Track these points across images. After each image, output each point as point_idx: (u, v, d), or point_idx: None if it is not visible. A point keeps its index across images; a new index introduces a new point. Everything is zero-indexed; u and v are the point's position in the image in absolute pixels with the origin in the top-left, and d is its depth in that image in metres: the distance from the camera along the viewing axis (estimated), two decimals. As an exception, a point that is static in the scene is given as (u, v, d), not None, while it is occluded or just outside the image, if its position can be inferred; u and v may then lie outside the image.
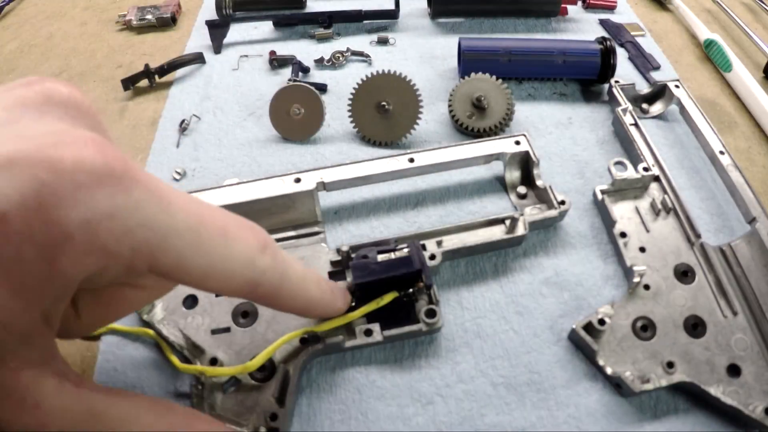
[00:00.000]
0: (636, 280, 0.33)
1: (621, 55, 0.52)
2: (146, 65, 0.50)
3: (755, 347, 0.31)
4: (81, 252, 0.17)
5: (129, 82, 0.49)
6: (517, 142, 0.40)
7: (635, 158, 0.41)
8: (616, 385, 0.30)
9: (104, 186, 0.17)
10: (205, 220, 0.20)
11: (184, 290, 0.34)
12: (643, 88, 0.47)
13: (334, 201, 0.40)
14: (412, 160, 0.38)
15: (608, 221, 0.38)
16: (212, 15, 0.57)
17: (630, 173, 0.38)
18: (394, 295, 0.31)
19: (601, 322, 0.31)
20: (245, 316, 0.33)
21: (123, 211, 0.17)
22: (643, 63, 0.52)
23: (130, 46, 0.56)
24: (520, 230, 0.35)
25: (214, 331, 0.32)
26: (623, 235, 0.36)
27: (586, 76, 0.48)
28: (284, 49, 0.53)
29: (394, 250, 0.32)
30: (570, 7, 0.57)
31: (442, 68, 0.52)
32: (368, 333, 0.31)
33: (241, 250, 0.21)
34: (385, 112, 0.43)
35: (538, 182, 0.39)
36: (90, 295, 0.22)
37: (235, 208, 0.35)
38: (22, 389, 0.17)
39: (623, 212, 0.38)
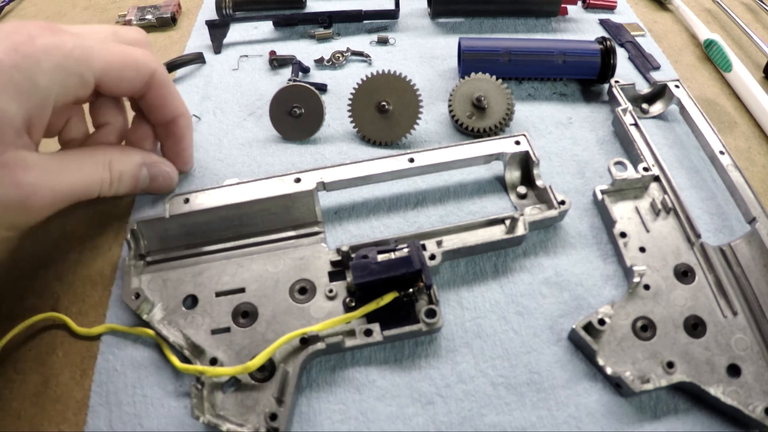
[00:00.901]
0: (636, 280, 0.33)
1: (621, 55, 0.52)
2: (146, 65, 0.50)
3: (755, 347, 0.31)
4: (47, 70, 0.28)
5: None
6: (517, 142, 0.40)
7: (635, 158, 0.41)
8: (616, 385, 0.30)
9: (49, 35, 0.29)
10: (106, 42, 0.32)
11: (184, 290, 0.34)
12: (643, 88, 0.47)
13: (333, 201, 0.40)
14: (412, 160, 0.38)
15: (608, 221, 0.38)
16: (212, 15, 0.57)
17: (630, 173, 0.38)
18: (394, 295, 0.31)
19: (601, 322, 0.31)
20: (245, 316, 0.33)
21: (63, 43, 0.29)
22: (643, 63, 0.52)
23: (130, 46, 0.56)
24: (520, 230, 0.35)
25: (214, 331, 0.32)
26: (623, 235, 0.36)
27: (586, 76, 0.48)
28: (284, 49, 0.53)
29: (394, 250, 0.32)
30: (570, 7, 0.57)
31: (442, 68, 0.52)
32: (368, 333, 0.31)
33: (135, 50, 0.33)
34: (385, 112, 0.43)
35: (538, 182, 0.39)
36: (68, 111, 0.35)
37: (236, 207, 0.36)
38: (17, 160, 0.28)
39: (623, 212, 0.38)
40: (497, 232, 0.36)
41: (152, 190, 0.38)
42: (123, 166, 0.34)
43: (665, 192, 0.38)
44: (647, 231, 0.37)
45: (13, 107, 0.27)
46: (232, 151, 0.44)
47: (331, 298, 0.33)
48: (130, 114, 0.39)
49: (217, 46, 0.54)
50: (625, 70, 0.51)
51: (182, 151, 0.39)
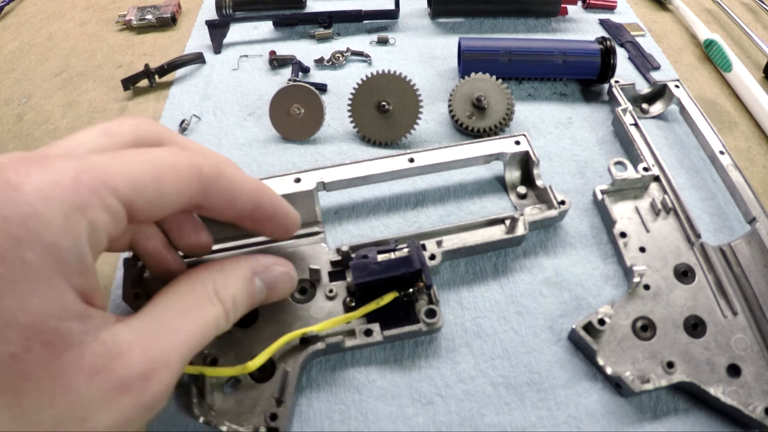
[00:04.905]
0: (636, 280, 0.33)
1: (621, 55, 0.52)
2: (146, 65, 0.50)
3: (755, 347, 0.31)
4: (60, 221, 0.18)
5: (129, 82, 0.49)
6: (517, 142, 0.40)
7: (635, 158, 0.41)
8: (616, 385, 0.30)
9: (36, 169, 0.19)
10: (116, 152, 0.22)
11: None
12: (643, 88, 0.47)
13: (333, 201, 0.40)
14: (412, 160, 0.38)
15: (608, 221, 0.38)
16: (212, 15, 0.57)
17: (630, 173, 0.38)
18: (394, 295, 0.31)
19: (601, 322, 0.31)
20: (245, 316, 0.33)
21: (62, 173, 0.19)
22: (643, 63, 0.52)
23: (130, 46, 0.56)
24: (520, 230, 0.35)
25: (214, 331, 0.32)
26: (623, 235, 0.36)
27: (586, 76, 0.48)
28: (284, 49, 0.53)
29: (394, 250, 0.32)
30: (570, 7, 0.57)
31: (442, 68, 0.52)
32: (368, 333, 0.31)
33: (160, 151, 0.23)
34: (385, 112, 0.43)
35: (538, 182, 0.39)
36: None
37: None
38: (104, 341, 0.19)
39: (623, 212, 0.38)
40: (497, 232, 0.36)
41: (273, 299, 0.29)
42: (232, 287, 0.25)
43: (665, 192, 0.38)
44: (647, 231, 0.37)
45: (52, 301, 0.18)
46: (232, 151, 0.44)
47: (331, 298, 0.33)
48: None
49: (217, 46, 0.54)
50: (625, 70, 0.51)
51: (279, 222, 0.29)
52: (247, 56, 0.53)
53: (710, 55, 0.53)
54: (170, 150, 0.23)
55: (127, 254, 0.35)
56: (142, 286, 0.33)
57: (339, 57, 0.52)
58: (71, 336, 0.18)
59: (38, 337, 0.17)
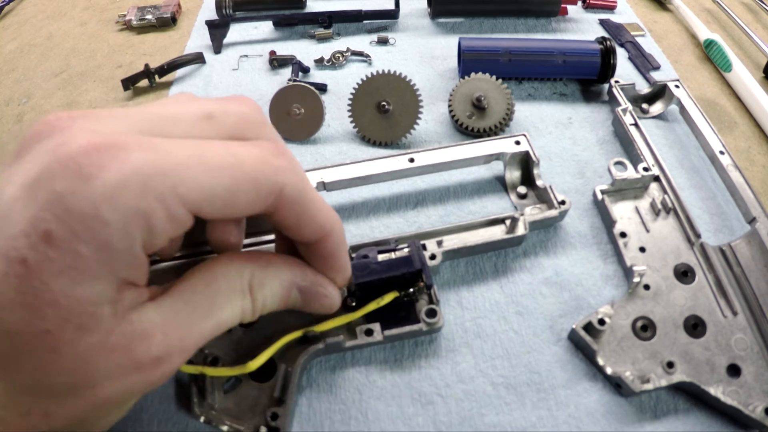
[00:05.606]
0: (636, 280, 0.33)
1: (621, 55, 0.52)
2: (146, 65, 0.50)
3: (755, 347, 0.31)
4: (119, 225, 0.18)
5: (129, 82, 0.49)
6: (518, 142, 0.40)
7: (635, 158, 0.41)
8: (616, 385, 0.30)
9: (101, 161, 0.18)
10: (200, 146, 0.21)
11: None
12: (643, 88, 0.47)
13: (333, 201, 0.40)
14: (412, 160, 0.38)
15: (608, 221, 0.38)
16: (212, 15, 0.57)
17: (630, 173, 0.38)
18: (394, 294, 0.31)
19: (601, 322, 0.31)
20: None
21: (132, 174, 0.18)
22: (643, 63, 0.52)
23: (130, 46, 0.56)
24: (521, 230, 0.35)
25: (214, 331, 0.32)
26: (623, 235, 0.36)
27: (586, 76, 0.48)
28: (284, 49, 0.53)
29: (394, 250, 0.32)
30: (570, 7, 0.57)
31: (442, 68, 0.52)
32: (369, 333, 0.31)
33: (249, 154, 0.21)
34: (385, 112, 0.43)
35: (539, 182, 0.39)
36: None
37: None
38: (132, 321, 0.20)
39: (623, 212, 0.38)
40: (498, 232, 0.36)
41: (306, 311, 0.28)
42: (267, 288, 0.25)
43: (665, 192, 0.38)
44: (647, 231, 0.37)
45: (94, 290, 0.19)
46: (232, 151, 0.44)
47: (331, 298, 0.33)
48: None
49: (217, 46, 0.54)
50: (625, 70, 0.51)
51: (332, 269, 0.27)
52: (247, 56, 0.53)
53: (710, 55, 0.53)
54: (259, 157, 0.21)
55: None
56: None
57: (339, 57, 0.52)
58: (102, 319, 0.19)
59: (74, 320, 0.18)
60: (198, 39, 0.55)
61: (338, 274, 0.27)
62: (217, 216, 0.21)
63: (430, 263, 0.33)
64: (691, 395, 0.30)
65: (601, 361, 0.31)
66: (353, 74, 0.50)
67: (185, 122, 0.22)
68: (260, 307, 0.24)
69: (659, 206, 0.37)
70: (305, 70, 0.51)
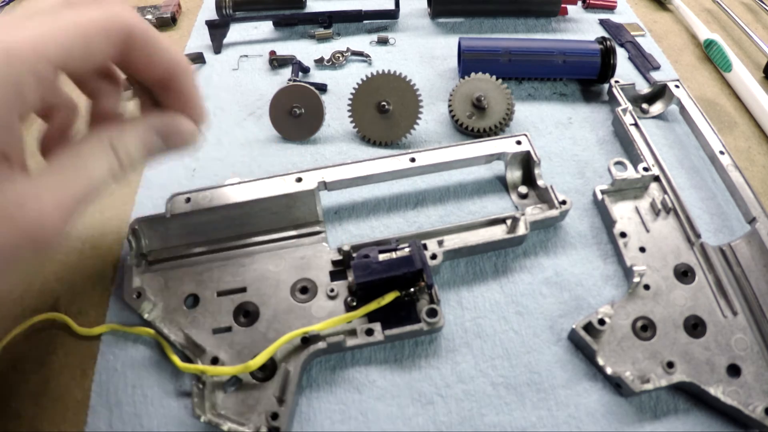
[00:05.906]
0: (636, 280, 0.33)
1: (621, 55, 0.52)
2: (146, 65, 0.49)
3: (755, 347, 0.31)
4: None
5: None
6: (519, 142, 0.40)
7: (635, 158, 0.41)
8: (616, 385, 0.30)
9: None
10: (55, 15, 0.24)
11: (185, 290, 0.34)
12: (643, 88, 0.47)
13: (334, 201, 0.40)
14: (413, 160, 0.38)
15: (608, 221, 0.38)
16: (212, 15, 0.57)
17: (630, 173, 0.38)
18: (395, 294, 0.31)
19: (601, 322, 0.31)
20: (246, 315, 0.33)
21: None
22: (643, 63, 0.52)
23: (130, 46, 0.56)
24: (521, 230, 0.35)
25: (215, 331, 0.32)
26: (623, 235, 0.36)
27: (586, 76, 0.48)
28: (284, 49, 0.53)
29: (395, 250, 0.32)
30: (570, 7, 0.57)
31: (442, 68, 0.52)
32: (369, 332, 0.31)
33: (97, 8, 0.25)
34: (385, 112, 0.43)
35: (539, 182, 0.39)
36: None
37: (237, 207, 0.36)
38: (4, 191, 0.23)
39: (623, 212, 0.38)
40: (498, 232, 0.36)
41: (173, 151, 0.30)
42: (128, 142, 0.28)
43: (665, 192, 0.38)
44: (647, 231, 0.37)
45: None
46: (232, 151, 0.44)
47: (332, 298, 0.33)
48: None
49: (217, 46, 0.54)
50: (625, 70, 0.51)
51: (188, 106, 0.30)
52: (247, 56, 0.53)
53: (710, 55, 0.53)
54: (105, 8, 0.25)
55: (127, 254, 0.35)
56: (142, 285, 0.33)
57: (339, 57, 0.52)
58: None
59: None
60: (198, 39, 0.55)
61: (194, 109, 0.30)
62: (81, 66, 0.24)
63: (431, 263, 0.33)
64: (691, 395, 0.30)
65: (601, 361, 0.31)
66: (353, 74, 0.50)
67: (47, 8, 0.25)
68: (126, 159, 0.27)
69: (659, 206, 0.37)
70: (305, 70, 0.51)
